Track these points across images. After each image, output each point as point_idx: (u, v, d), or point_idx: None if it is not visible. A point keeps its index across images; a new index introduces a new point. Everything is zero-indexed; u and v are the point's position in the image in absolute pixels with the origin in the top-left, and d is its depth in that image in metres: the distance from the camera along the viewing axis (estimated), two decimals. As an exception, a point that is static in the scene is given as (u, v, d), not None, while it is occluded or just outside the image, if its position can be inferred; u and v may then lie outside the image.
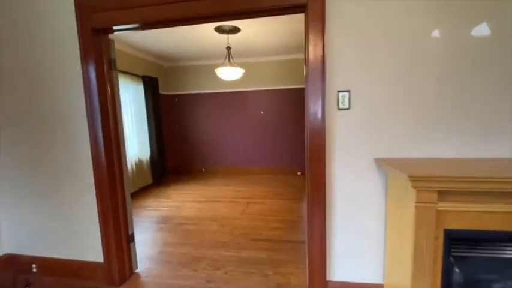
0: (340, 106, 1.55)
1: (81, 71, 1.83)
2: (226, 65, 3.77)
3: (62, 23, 1.81)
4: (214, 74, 5.15)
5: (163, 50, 4.70)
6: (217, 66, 3.94)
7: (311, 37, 1.52)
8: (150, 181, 4.95)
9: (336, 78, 1.54)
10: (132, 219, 2.12)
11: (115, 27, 1.83)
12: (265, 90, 5.57)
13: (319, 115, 1.54)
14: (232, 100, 5.71)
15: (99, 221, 1.95)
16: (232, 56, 4.09)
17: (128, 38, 3.97)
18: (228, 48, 3.84)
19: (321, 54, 1.51)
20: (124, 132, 2.11)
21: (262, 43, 4.38)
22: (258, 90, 5.59)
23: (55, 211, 2.03)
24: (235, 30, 3.66)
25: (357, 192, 1.62)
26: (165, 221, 3.21)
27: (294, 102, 5.47)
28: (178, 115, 5.96)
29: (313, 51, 1.52)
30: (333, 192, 1.64)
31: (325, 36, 1.50)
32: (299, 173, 5.58)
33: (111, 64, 1.97)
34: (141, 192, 4.56)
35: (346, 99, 1.54)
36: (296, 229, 2.87)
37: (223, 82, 5.35)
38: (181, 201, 3.99)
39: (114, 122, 1.97)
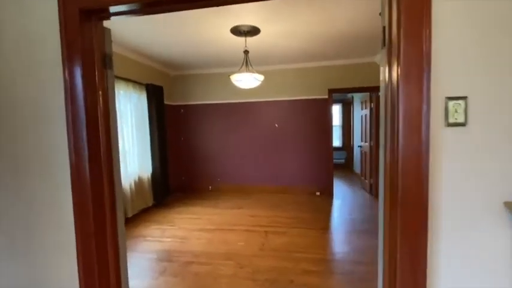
0: (451, 120, 1.01)
1: (62, 70, 1.32)
2: (243, 71, 3.28)
3: (39, 2, 1.31)
4: (224, 83, 4.67)
5: (171, 56, 4.23)
6: (230, 74, 3.44)
7: (405, 22, 1.00)
8: (150, 202, 4.36)
9: (443, 80, 1.01)
10: (126, 273, 1.55)
11: (112, 9, 1.33)
12: (280, 101, 5.06)
13: (422, 133, 1.00)
14: (243, 111, 5.20)
15: (80, 280, 1.38)
16: (250, 62, 3.60)
17: (131, 42, 3.50)
18: (246, 52, 3.36)
19: (423, 46, 0.98)
20: (122, 148, 1.58)
21: (281, 48, 3.91)
22: (272, 101, 5.08)
23: (18, 260, 1.46)
24: (254, 31, 3.19)
25: (473, 250, 1.05)
26: (169, 258, 2.61)
27: (311, 114, 4.96)
28: (184, 127, 5.44)
29: (410, 43, 1.00)
30: (433, 249, 1.07)
31: (432, 21, 0.98)
32: (318, 193, 4.99)
33: (106, 61, 1.46)
34: (141, 216, 3.96)
35: (461, 110, 1.00)
36: (335, 274, 2.27)
37: (233, 92, 4.86)
38: (187, 229, 3.39)
39: (107, 138, 1.44)
